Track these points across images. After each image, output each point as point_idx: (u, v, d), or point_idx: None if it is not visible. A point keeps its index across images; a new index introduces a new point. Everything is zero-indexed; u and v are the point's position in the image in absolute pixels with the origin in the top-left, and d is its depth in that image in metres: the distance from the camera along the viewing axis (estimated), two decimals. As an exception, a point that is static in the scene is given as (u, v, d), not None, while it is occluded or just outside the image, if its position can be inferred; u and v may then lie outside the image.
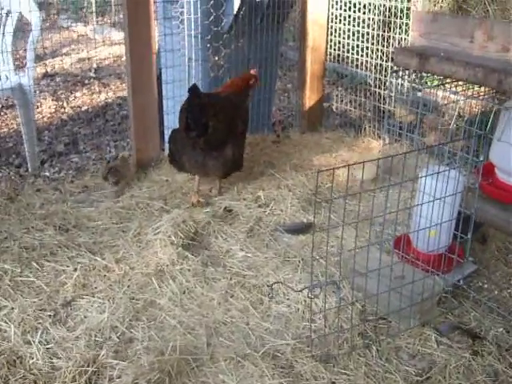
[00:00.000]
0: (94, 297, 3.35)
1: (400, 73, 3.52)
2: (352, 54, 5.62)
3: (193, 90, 4.00)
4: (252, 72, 4.63)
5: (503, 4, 3.44)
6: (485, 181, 4.00)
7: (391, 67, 5.04)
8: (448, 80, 3.44)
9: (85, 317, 3.21)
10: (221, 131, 4.11)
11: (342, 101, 6.48)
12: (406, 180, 2.89)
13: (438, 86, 3.54)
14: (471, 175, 3.26)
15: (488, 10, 3.47)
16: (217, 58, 5.07)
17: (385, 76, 5.30)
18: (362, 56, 5.52)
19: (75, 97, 7.90)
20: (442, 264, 3.23)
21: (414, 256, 3.38)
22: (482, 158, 2.92)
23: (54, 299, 3.32)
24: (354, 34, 5.54)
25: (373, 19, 5.34)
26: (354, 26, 5.53)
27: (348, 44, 5.61)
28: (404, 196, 3.44)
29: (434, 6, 3.83)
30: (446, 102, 4.19)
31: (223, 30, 5.08)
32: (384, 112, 5.39)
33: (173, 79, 5.10)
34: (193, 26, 4.90)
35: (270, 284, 3.19)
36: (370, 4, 5.37)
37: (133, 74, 4.63)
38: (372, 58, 5.41)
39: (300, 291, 3.16)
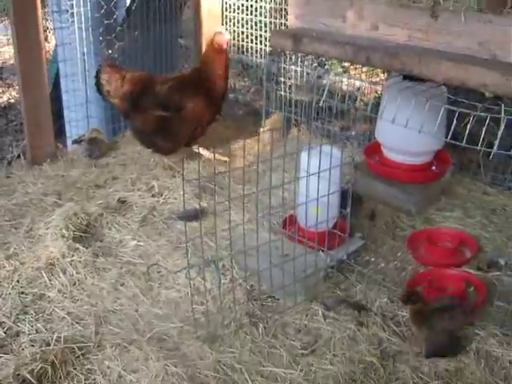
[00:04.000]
0: (-19, 294, 3.30)
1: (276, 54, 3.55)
2: (247, 42, 5.67)
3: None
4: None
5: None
6: (372, 159, 4.13)
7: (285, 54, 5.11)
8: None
9: (-29, 314, 3.16)
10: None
11: (248, 91, 6.53)
12: (281, 155, 2.93)
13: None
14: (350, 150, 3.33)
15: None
16: (110, 51, 5.03)
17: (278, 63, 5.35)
18: (256, 44, 5.58)
19: (-23, 97, 7.71)
20: (326, 240, 3.29)
21: (300, 234, 3.44)
22: (353, 133, 3.00)
23: None
24: (247, 23, 5.59)
25: (265, 7, 5.40)
26: (247, 14, 5.59)
27: (243, 33, 5.66)
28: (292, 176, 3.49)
29: (310, -12, 3.90)
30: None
31: (116, 23, 5.04)
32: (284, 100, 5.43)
33: (66, 73, 5.05)
34: (83, 19, 4.85)
35: (148, 266, 3.20)
36: (261, -8, 5.44)
37: (22, 71, 4.56)
38: (266, 46, 5.48)
39: (176, 273, 3.19)
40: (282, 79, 5.15)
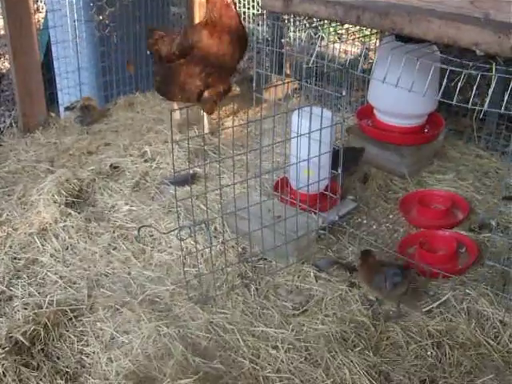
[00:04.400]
0: (-26, 260, 3.31)
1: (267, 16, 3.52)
2: (239, 7, 5.61)
3: None
4: None
5: None
6: (364, 122, 4.12)
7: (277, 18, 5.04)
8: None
9: (-37, 280, 3.17)
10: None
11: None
12: (271, 116, 2.92)
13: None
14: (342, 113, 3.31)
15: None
16: (101, 18, 4.98)
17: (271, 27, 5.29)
18: (248, 9, 5.53)
19: (-31, 68, 7.65)
20: (318, 202, 3.29)
21: (292, 196, 3.44)
22: (344, 93, 2.98)
23: None
24: (239, -13, 5.55)
25: (257, -29, 5.35)
26: (238, -22, 5.53)
27: (235, -3, 5.60)
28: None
29: None
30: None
31: (106, -12, 4.99)
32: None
33: (57, 40, 5.00)
34: (72, -15, 4.80)
35: (138, 228, 3.20)
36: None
37: (12, 39, 4.52)
38: (258, 11, 5.43)
39: (167, 233, 3.19)
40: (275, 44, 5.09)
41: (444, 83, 2.75)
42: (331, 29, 4.72)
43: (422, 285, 3.07)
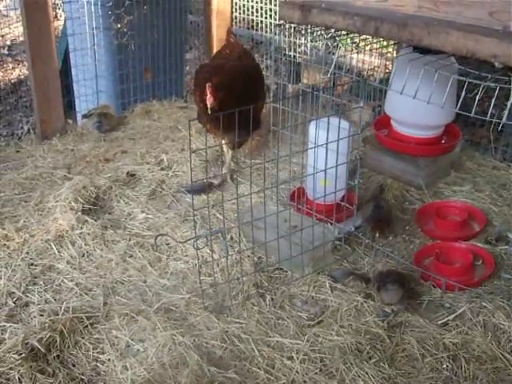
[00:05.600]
0: (-9, 266, 3.33)
1: (285, 26, 3.52)
2: (256, 16, 5.63)
3: None
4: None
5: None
6: (381, 132, 4.11)
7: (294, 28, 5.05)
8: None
9: (-19, 285, 3.19)
10: None
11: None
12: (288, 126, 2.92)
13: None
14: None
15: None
16: (119, 26, 5.02)
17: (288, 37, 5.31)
18: (266, 18, 5.54)
19: (-13, 74, 7.72)
20: (334, 213, 3.29)
21: (309, 207, 3.44)
22: (362, 104, 2.98)
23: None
24: (257, -3, 5.56)
25: (274, -20, 5.37)
26: (256, -13, 5.55)
27: (252, 7, 5.62)
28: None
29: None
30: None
31: (125, -3, 5.03)
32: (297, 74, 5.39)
33: (75, 48, 5.04)
34: (92, -7, 4.84)
35: (155, 236, 3.20)
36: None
37: (31, 46, 4.56)
38: (276, 20, 5.44)
39: (183, 242, 3.20)
40: (292, 53, 5.11)
41: (462, 95, 2.74)
42: (348, 40, 4.72)
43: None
